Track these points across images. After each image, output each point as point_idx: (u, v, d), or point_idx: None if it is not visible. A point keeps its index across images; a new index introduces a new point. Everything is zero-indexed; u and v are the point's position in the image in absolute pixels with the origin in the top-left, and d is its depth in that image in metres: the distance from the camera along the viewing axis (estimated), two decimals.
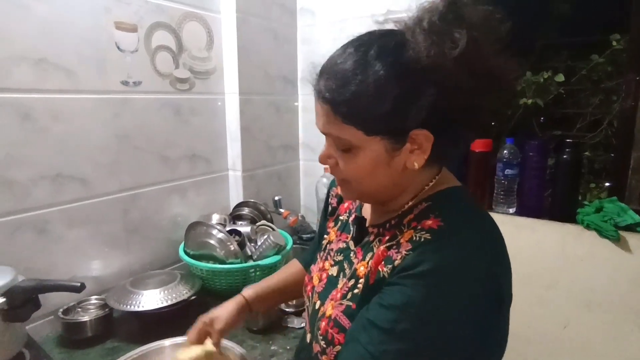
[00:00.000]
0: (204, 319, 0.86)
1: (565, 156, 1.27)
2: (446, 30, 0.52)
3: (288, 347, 1.05)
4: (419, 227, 0.57)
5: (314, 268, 0.79)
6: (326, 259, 0.76)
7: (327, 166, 1.56)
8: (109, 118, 1.22)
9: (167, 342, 0.96)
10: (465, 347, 0.54)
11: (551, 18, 1.51)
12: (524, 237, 1.34)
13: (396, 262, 0.56)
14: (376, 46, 0.56)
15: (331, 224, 0.82)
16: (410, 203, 0.63)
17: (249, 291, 0.91)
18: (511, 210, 1.41)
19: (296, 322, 1.14)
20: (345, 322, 0.62)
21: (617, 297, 1.21)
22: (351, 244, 0.72)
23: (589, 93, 1.56)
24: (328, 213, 0.86)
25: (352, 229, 0.74)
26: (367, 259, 0.64)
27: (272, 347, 1.05)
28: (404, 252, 0.56)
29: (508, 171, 1.37)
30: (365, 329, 0.56)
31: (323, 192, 1.68)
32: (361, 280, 0.63)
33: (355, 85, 0.54)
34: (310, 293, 0.76)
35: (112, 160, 1.24)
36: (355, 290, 0.64)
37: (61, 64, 1.09)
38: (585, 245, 1.24)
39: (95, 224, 1.21)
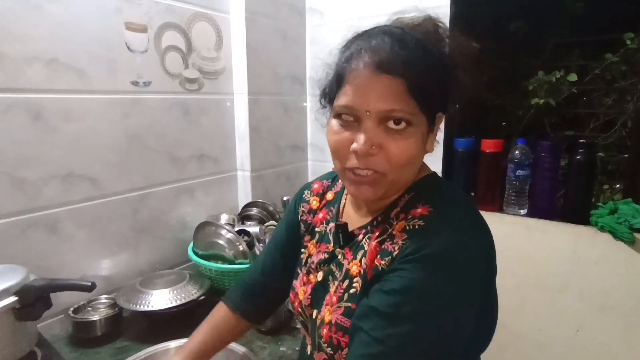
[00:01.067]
0: None
1: (578, 157, 1.25)
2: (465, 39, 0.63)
3: (297, 348, 1.05)
4: (410, 217, 0.59)
5: (297, 283, 0.77)
6: (309, 272, 0.75)
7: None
8: (119, 118, 1.22)
9: (173, 343, 0.96)
10: (467, 324, 0.55)
11: (564, 16, 1.48)
12: (536, 239, 1.32)
13: (394, 253, 0.57)
14: (419, 36, 0.60)
15: (307, 238, 0.79)
16: (394, 197, 0.65)
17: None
18: (522, 212, 1.39)
19: None
20: (347, 323, 0.62)
21: (631, 301, 1.19)
22: (337, 251, 0.70)
23: (602, 93, 1.53)
24: (302, 231, 0.81)
25: (330, 237, 0.72)
26: (359, 257, 0.64)
27: (281, 348, 1.05)
28: (400, 242, 0.57)
29: (519, 172, 1.36)
30: (367, 316, 0.57)
31: None
32: (356, 279, 0.63)
33: (426, 60, 0.58)
34: (299, 309, 0.75)
35: (122, 160, 1.24)
36: (352, 290, 0.63)
37: (72, 64, 1.10)
38: (598, 247, 1.22)
39: (105, 224, 1.22)
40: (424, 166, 0.68)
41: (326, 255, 0.72)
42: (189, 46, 1.41)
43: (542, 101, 1.51)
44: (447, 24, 0.65)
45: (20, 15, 1.00)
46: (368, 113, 0.56)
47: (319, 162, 1.89)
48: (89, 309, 1.14)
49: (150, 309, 1.08)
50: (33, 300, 0.83)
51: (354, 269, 0.64)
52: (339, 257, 0.69)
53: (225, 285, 1.27)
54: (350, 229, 0.69)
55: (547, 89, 1.51)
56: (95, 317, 1.08)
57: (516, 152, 1.37)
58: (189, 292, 1.14)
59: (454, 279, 0.54)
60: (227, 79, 1.56)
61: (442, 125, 0.67)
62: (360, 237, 0.66)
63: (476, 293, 0.56)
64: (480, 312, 0.57)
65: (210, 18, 1.47)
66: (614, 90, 1.51)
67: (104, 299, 1.18)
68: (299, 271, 0.78)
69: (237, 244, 1.27)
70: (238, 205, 1.64)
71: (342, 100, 0.58)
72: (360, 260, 0.63)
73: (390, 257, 0.58)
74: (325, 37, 1.77)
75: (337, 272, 0.68)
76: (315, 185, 0.83)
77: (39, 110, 1.05)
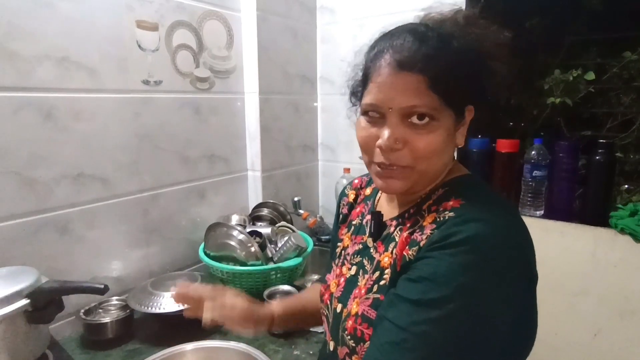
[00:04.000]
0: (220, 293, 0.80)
1: (597, 157, 1.22)
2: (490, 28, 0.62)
3: (311, 352, 1.03)
4: (441, 209, 0.58)
5: (330, 277, 0.78)
6: (343, 264, 0.76)
7: (347, 167, 1.54)
8: (129, 117, 1.21)
9: (189, 346, 0.94)
10: (495, 317, 0.52)
11: (581, 13, 1.45)
12: (553, 241, 1.29)
13: (422, 243, 0.57)
14: (441, 30, 0.60)
15: (344, 231, 0.82)
16: (427, 190, 0.65)
17: (276, 304, 0.87)
18: (538, 213, 1.36)
19: (319, 327, 1.12)
20: (373, 315, 0.61)
21: None
22: (369, 242, 0.71)
23: (620, 92, 1.50)
24: (339, 221, 0.86)
25: (366, 229, 0.74)
26: (390, 248, 0.64)
27: (295, 352, 1.03)
28: (428, 232, 0.57)
29: (536, 172, 1.33)
30: (392, 305, 0.56)
31: None
32: (387, 271, 0.63)
33: (448, 55, 0.57)
34: (328, 301, 0.75)
35: (133, 160, 1.23)
36: (382, 282, 0.63)
37: (83, 63, 1.09)
38: (618, 250, 1.19)
39: (116, 224, 1.20)
40: (460, 167, 0.68)
41: (360, 246, 0.73)
42: (200, 45, 1.39)
43: (558, 100, 1.48)
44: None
45: (31, 12, 0.99)
46: (391, 110, 0.58)
47: (329, 163, 1.88)
48: (100, 310, 1.13)
49: (162, 311, 1.07)
50: (45, 303, 0.82)
51: (385, 260, 0.64)
52: (371, 250, 0.70)
53: (237, 287, 1.25)
54: (383, 219, 0.70)
55: (564, 88, 1.47)
56: (107, 319, 1.07)
57: (533, 152, 1.34)
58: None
59: (481, 267, 0.52)
60: (238, 78, 1.54)
61: None
62: (392, 229, 0.67)
63: (508, 288, 0.53)
64: (516, 319, 0.55)
65: (221, 16, 1.45)
66: (632, 89, 1.48)
67: (115, 300, 1.16)
68: (333, 264, 0.79)
69: (249, 245, 1.25)
70: (248, 205, 1.63)
71: (367, 98, 0.61)
72: (392, 252, 0.64)
73: (417, 247, 0.57)
74: (336, 36, 1.75)
75: (368, 265, 0.69)
76: (356, 181, 0.88)
77: (50, 109, 1.04)
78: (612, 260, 1.21)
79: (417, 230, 0.59)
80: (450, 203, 0.58)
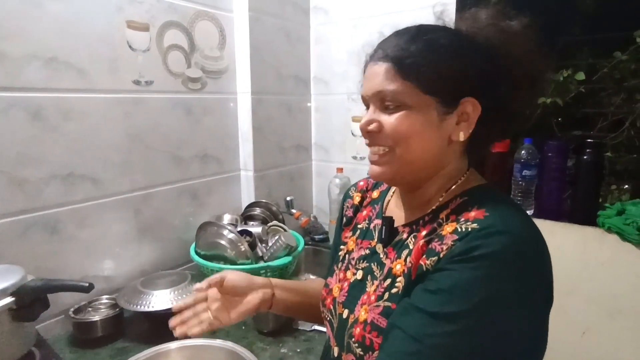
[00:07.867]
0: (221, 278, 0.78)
1: (586, 157, 1.23)
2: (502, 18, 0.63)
3: (298, 350, 1.04)
4: (462, 219, 0.56)
5: (332, 281, 0.77)
6: (347, 269, 0.74)
7: (340, 167, 1.54)
8: (120, 117, 1.21)
9: (174, 344, 0.95)
10: (514, 332, 0.51)
11: (573, 14, 1.46)
12: None
13: (442, 253, 0.55)
14: (434, 26, 0.63)
15: (348, 234, 0.80)
16: (441, 199, 0.64)
17: (274, 280, 0.84)
18: (528, 212, 1.37)
19: (307, 325, 1.12)
20: (383, 323, 0.60)
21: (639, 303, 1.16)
22: (378, 247, 0.69)
23: (611, 92, 1.50)
24: (343, 224, 0.83)
25: (374, 233, 0.72)
26: (404, 256, 0.63)
27: (282, 350, 1.04)
28: (450, 242, 0.55)
29: (526, 172, 1.33)
30: (407, 314, 0.55)
31: (335, 192, 1.66)
32: (399, 279, 0.61)
33: (419, 44, 0.59)
34: (331, 306, 0.73)
35: (124, 160, 1.23)
36: (394, 290, 0.61)
37: (73, 63, 1.09)
38: (606, 249, 1.20)
39: (107, 224, 1.21)
40: (477, 176, 0.67)
41: (367, 251, 0.72)
42: (191, 45, 1.40)
43: (549, 100, 1.48)
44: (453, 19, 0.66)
45: (20, 12, 0.99)
46: (367, 97, 0.64)
47: (322, 162, 1.88)
48: (90, 309, 1.14)
49: (151, 309, 1.07)
50: (30, 301, 0.83)
51: (398, 267, 0.63)
52: (381, 255, 0.68)
53: None
54: (394, 225, 0.69)
55: (555, 88, 1.48)
56: (96, 318, 1.07)
57: (522, 152, 1.35)
58: (190, 293, 1.13)
59: (503, 283, 0.51)
60: (231, 78, 1.55)
61: None
62: (405, 235, 0.66)
63: (529, 306, 0.52)
64: (532, 335, 0.54)
65: (213, 17, 1.46)
66: (623, 89, 1.48)
67: (105, 299, 1.17)
68: (335, 268, 0.78)
69: (239, 244, 1.26)
70: (241, 205, 1.63)
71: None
72: (405, 259, 0.62)
73: (436, 257, 0.55)
74: (330, 36, 1.76)
75: (377, 271, 0.67)
76: (361, 183, 0.86)
77: (38, 109, 1.04)
78: (600, 259, 1.21)
79: (436, 239, 0.58)
80: (473, 214, 0.56)
